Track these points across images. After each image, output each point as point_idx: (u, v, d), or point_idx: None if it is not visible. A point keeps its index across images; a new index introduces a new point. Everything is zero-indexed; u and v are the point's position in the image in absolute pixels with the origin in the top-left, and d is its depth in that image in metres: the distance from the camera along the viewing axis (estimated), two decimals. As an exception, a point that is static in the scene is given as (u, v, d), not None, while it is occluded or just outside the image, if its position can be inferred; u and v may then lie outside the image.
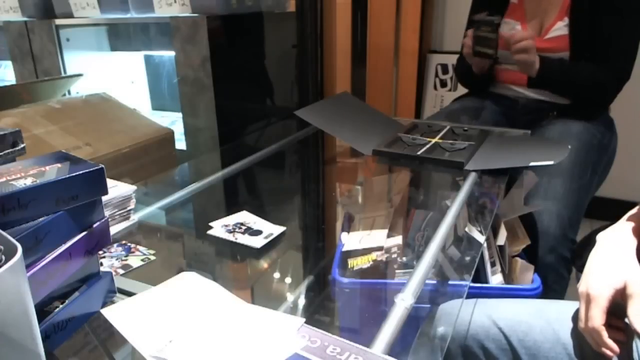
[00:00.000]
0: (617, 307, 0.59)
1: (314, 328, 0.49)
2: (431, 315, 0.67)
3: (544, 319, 0.68)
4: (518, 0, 1.31)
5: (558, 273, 1.03)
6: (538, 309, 0.70)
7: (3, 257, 0.35)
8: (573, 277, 1.08)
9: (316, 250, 0.92)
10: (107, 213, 0.64)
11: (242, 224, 0.86)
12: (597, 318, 0.57)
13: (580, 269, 0.67)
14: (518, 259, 0.95)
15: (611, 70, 1.19)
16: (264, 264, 0.80)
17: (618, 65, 1.19)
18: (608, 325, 0.58)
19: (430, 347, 0.59)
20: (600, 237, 0.64)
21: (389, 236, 0.84)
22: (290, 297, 0.76)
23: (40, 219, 0.46)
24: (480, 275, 0.90)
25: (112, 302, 0.56)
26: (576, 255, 1.03)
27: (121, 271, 0.71)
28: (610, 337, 0.57)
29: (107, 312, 0.52)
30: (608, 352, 0.58)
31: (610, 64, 1.19)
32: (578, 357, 0.63)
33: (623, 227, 0.64)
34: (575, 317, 0.65)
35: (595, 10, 1.17)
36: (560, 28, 1.23)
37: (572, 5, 1.21)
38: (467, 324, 0.72)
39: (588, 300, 0.59)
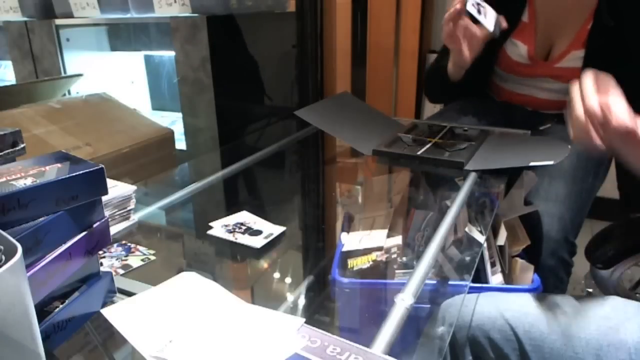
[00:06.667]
0: None
1: (314, 328, 0.49)
2: (435, 312, 0.67)
3: (552, 312, 0.69)
4: (529, 19, 1.18)
5: (558, 276, 1.03)
6: (546, 301, 0.71)
7: (3, 257, 0.35)
8: (573, 279, 1.08)
9: (316, 250, 0.92)
10: (107, 213, 0.64)
11: (242, 224, 0.86)
12: (579, 106, 0.64)
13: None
14: (518, 259, 0.95)
15: None
16: (264, 264, 0.80)
17: None
18: None
19: (434, 343, 0.59)
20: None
21: (389, 236, 0.84)
22: (290, 297, 0.76)
23: (40, 219, 0.46)
24: (480, 275, 0.90)
25: (112, 302, 0.56)
26: (595, 248, 1.01)
27: (121, 271, 0.71)
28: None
29: (107, 312, 0.52)
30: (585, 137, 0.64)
31: None
32: (582, 347, 0.64)
33: None
34: (582, 310, 0.66)
35: (616, 46, 1.06)
36: (574, 59, 1.12)
37: (590, 36, 1.08)
38: (474, 315, 0.72)
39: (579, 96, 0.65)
